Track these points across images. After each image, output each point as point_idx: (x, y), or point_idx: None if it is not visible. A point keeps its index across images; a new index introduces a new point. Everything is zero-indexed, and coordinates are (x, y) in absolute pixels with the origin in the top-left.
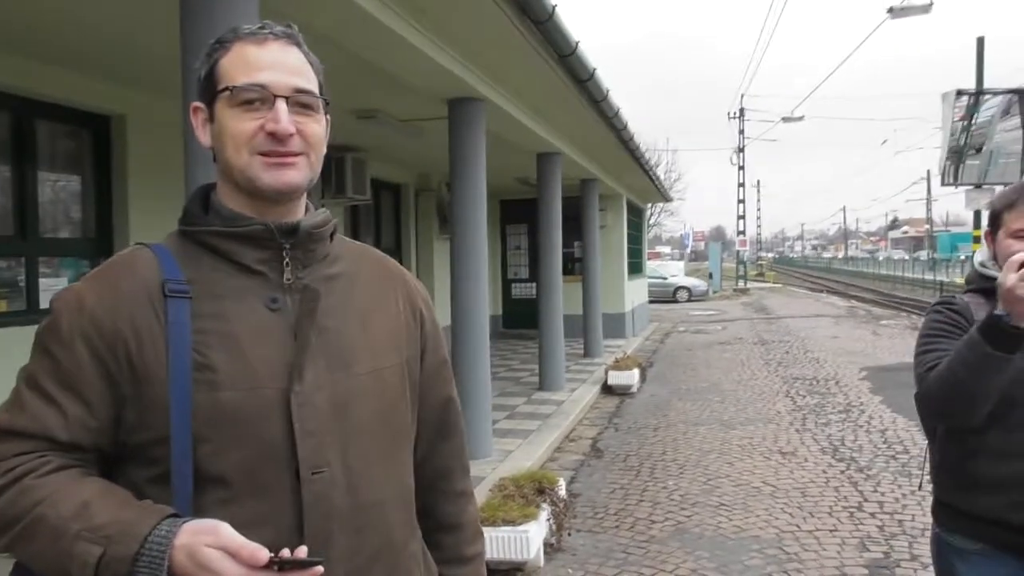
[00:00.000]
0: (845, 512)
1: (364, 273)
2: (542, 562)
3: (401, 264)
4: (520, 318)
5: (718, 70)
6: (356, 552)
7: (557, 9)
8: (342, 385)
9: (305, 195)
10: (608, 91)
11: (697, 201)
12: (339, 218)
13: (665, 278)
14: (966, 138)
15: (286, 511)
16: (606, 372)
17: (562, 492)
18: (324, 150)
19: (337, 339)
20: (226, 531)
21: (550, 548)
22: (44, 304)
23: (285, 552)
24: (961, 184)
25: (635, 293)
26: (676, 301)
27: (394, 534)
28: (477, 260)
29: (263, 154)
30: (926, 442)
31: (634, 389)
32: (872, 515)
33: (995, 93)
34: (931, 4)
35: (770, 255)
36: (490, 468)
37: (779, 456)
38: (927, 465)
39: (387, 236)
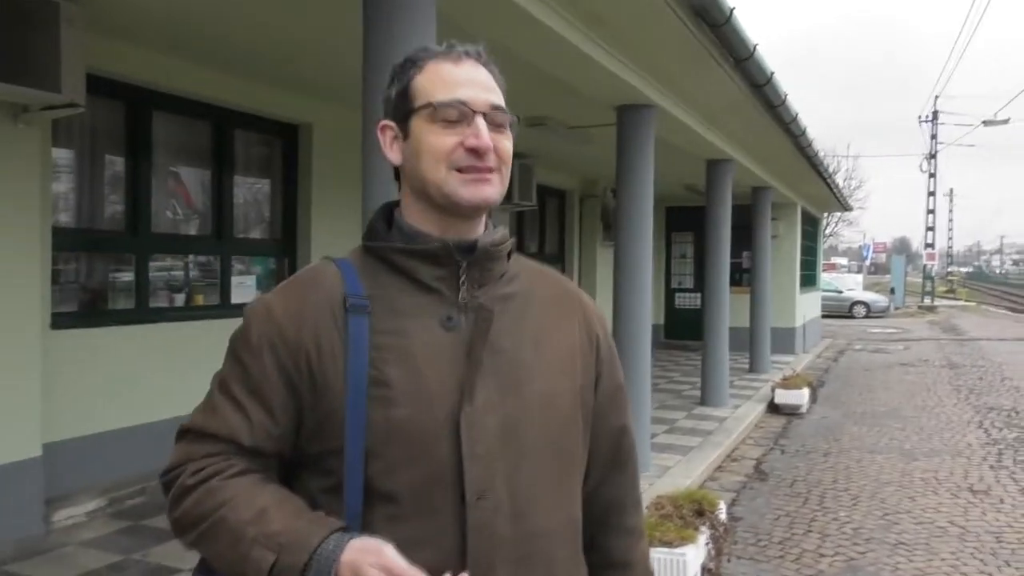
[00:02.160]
0: None
1: (540, 294)
2: None
3: (564, 270)
4: (683, 328)
5: (910, 64)
6: None
7: (735, 12)
8: (512, 408)
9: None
10: (786, 96)
11: (879, 210)
12: (505, 224)
13: (840, 291)
14: None
15: (450, 534)
16: (773, 389)
17: (723, 516)
18: (511, 165)
19: (509, 361)
20: (390, 552)
21: (707, 574)
22: (236, 299)
23: None
24: None
25: (807, 307)
26: (852, 317)
27: (557, 568)
28: (641, 269)
29: (460, 170)
30: None
31: (803, 409)
32: None
33: None
34: None
35: (963, 270)
36: (647, 484)
37: (969, 494)
38: None
39: (551, 242)
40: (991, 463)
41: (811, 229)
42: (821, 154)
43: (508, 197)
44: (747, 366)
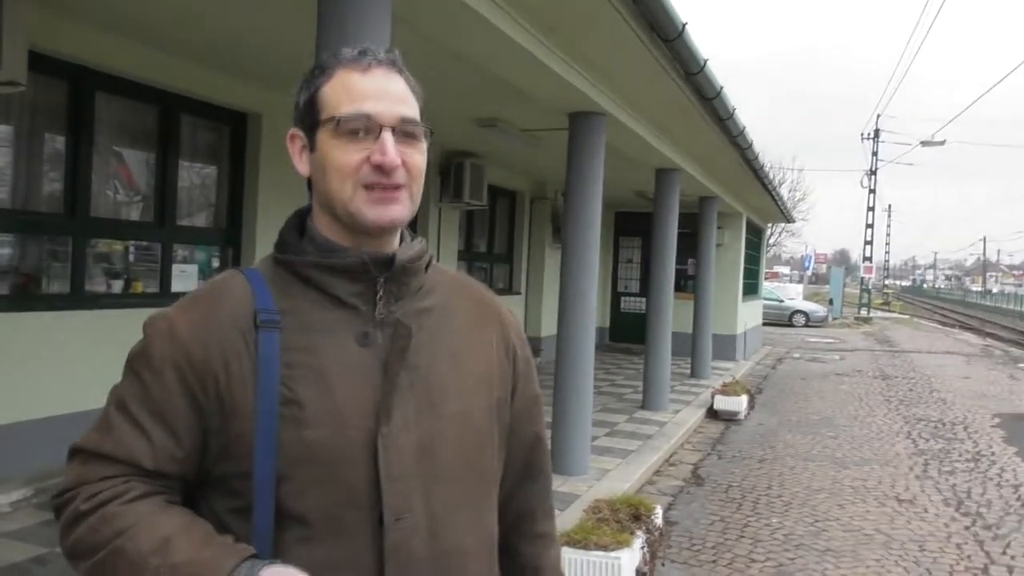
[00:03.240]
0: (968, 573)
1: (458, 307)
2: None
3: (512, 271)
4: (628, 332)
5: (854, 85)
6: None
7: (687, 27)
8: (429, 427)
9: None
10: (734, 109)
11: (822, 222)
12: (456, 222)
13: (782, 301)
14: None
15: (365, 555)
16: (712, 396)
17: (658, 521)
18: (423, 181)
19: (426, 379)
20: None
21: None
22: (176, 287)
23: None
24: None
25: (749, 315)
26: (792, 325)
27: None
28: (587, 272)
29: (367, 187)
30: None
31: (741, 416)
32: None
33: None
34: None
35: (899, 283)
36: (586, 487)
37: (895, 503)
38: None
39: (500, 242)
40: (917, 473)
41: (755, 239)
42: (767, 167)
43: (459, 195)
44: (688, 371)
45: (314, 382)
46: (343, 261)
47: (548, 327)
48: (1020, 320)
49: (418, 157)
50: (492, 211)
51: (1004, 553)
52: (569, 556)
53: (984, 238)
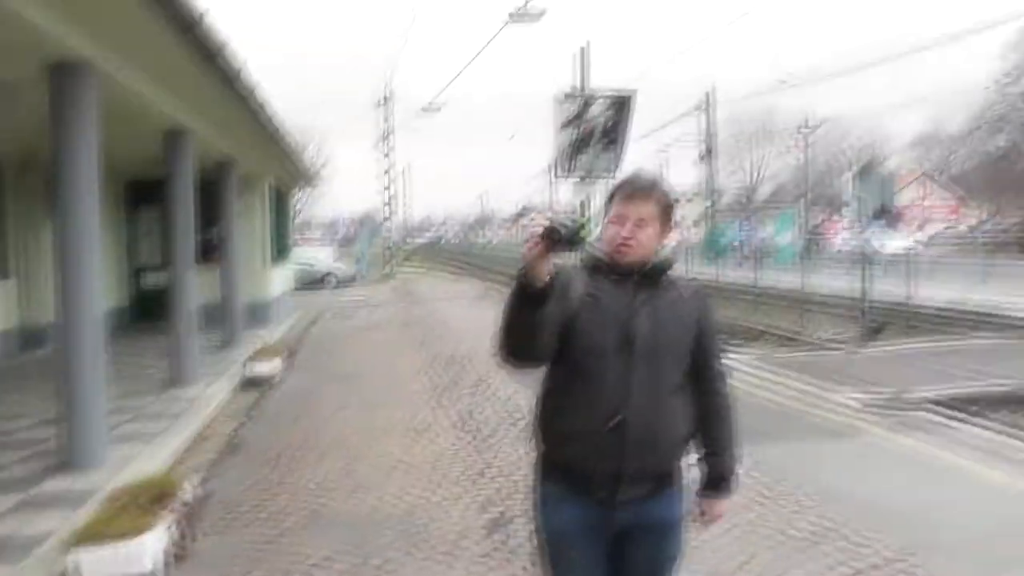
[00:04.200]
0: (469, 479)
1: None
2: (163, 574)
3: None
4: (152, 308)
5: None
6: None
7: None
8: None
9: None
10: (242, 68)
11: (348, 185)
12: None
13: (313, 264)
14: (576, 135)
15: None
16: (246, 363)
17: (187, 496)
18: None
19: None
20: None
21: (175, 558)
22: None
23: None
24: (570, 175)
25: (280, 280)
26: (324, 287)
27: None
28: (88, 248)
29: None
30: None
31: (277, 379)
32: (492, 479)
33: (595, 97)
34: (542, 13)
35: (419, 240)
36: (106, 479)
37: (414, 433)
38: (534, 422)
39: None
40: (432, 404)
41: (281, 203)
42: (287, 129)
43: None
44: (221, 342)
45: None
46: None
47: (45, 314)
48: (510, 264)
49: None
50: None
51: (496, 457)
52: (83, 557)
53: (482, 196)
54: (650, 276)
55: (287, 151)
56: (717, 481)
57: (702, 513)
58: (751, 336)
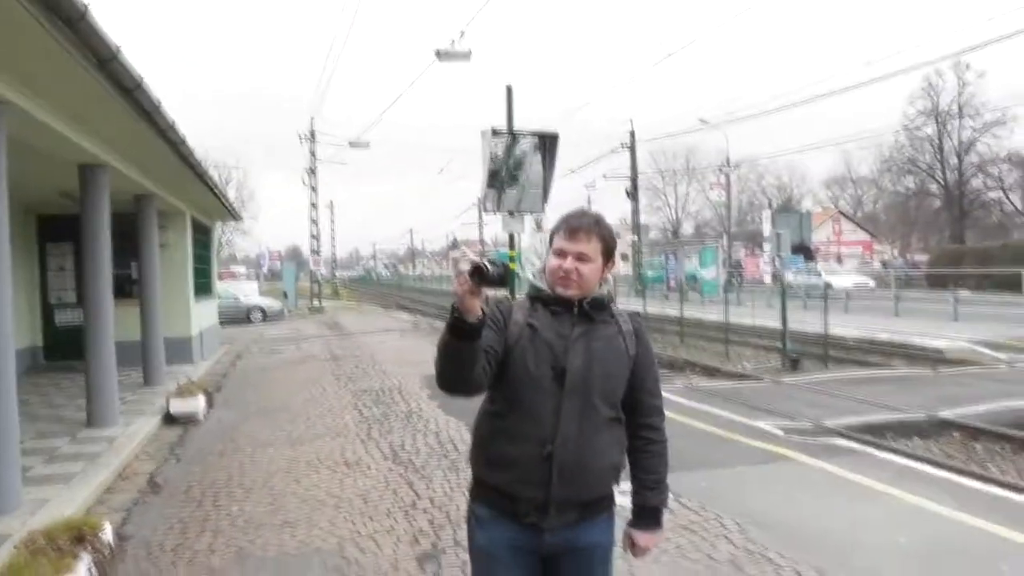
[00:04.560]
0: (401, 512)
1: None
2: None
3: None
4: (67, 347)
5: (294, 86)
6: None
7: (91, 8)
8: None
9: None
10: (160, 102)
11: (274, 220)
12: None
13: (238, 298)
14: (504, 171)
15: None
16: (168, 400)
17: (107, 537)
18: None
19: None
20: None
21: None
22: None
23: None
24: (500, 211)
25: (203, 315)
26: (251, 322)
27: None
28: None
29: None
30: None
31: (200, 416)
32: (424, 511)
33: (521, 135)
34: (470, 52)
35: (346, 274)
36: (19, 523)
37: (345, 467)
38: (471, 445)
39: None
40: (362, 438)
41: (203, 238)
42: (210, 164)
43: None
44: (142, 380)
45: None
46: None
47: None
48: (441, 297)
49: None
50: None
51: (428, 488)
52: None
53: (411, 229)
54: (589, 310)
55: (208, 185)
56: (648, 514)
57: (632, 544)
58: (677, 367)
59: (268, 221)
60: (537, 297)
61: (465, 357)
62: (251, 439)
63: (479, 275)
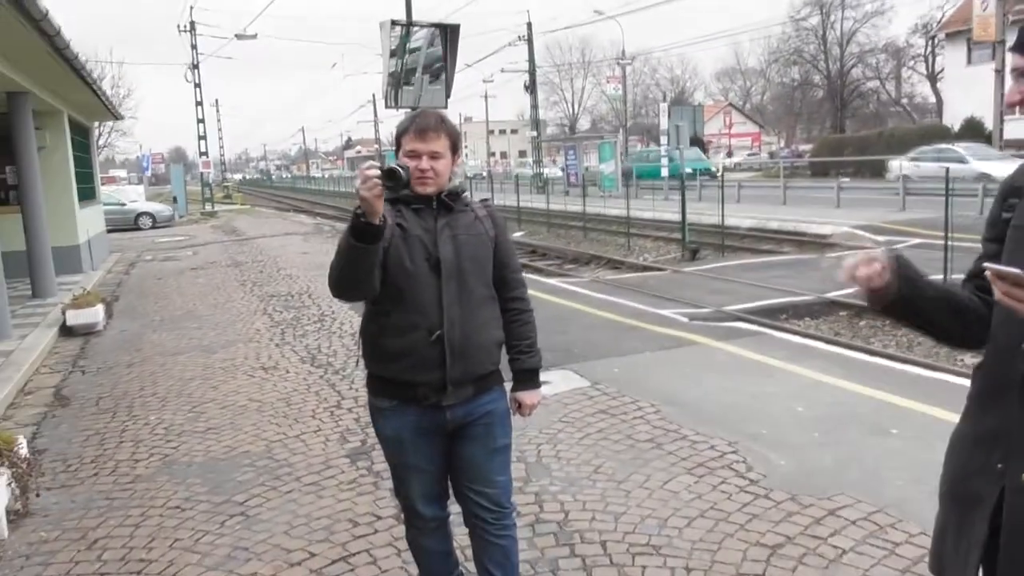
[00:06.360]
0: (326, 412)
1: None
2: (6, 532)
3: None
4: None
5: None
6: None
7: None
8: None
9: None
10: None
11: (153, 120)
12: None
13: (124, 204)
14: (401, 64)
15: None
16: (64, 312)
17: (23, 451)
18: None
19: None
20: None
21: (16, 515)
22: None
23: None
24: (400, 107)
25: (90, 222)
26: (139, 228)
27: None
28: None
29: None
30: (360, 327)
31: (100, 327)
32: (349, 410)
33: (422, 25)
34: None
35: (237, 176)
36: None
37: (263, 372)
38: (360, 347)
39: None
40: (276, 342)
41: (83, 139)
42: (83, 58)
43: None
44: (30, 291)
45: None
46: None
47: None
48: (340, 199)
49: None
50: None
51: (350, 388)
52: None
53: (303, 128)
54: (447, 202)
55: (87, 81)
56: (527, 376)
57: (519, 406)
58: (582, 261)
59: (148, 121)
60: (397, 199)
61: (372, 259)
62: (159, 348)
63: (392, 177)
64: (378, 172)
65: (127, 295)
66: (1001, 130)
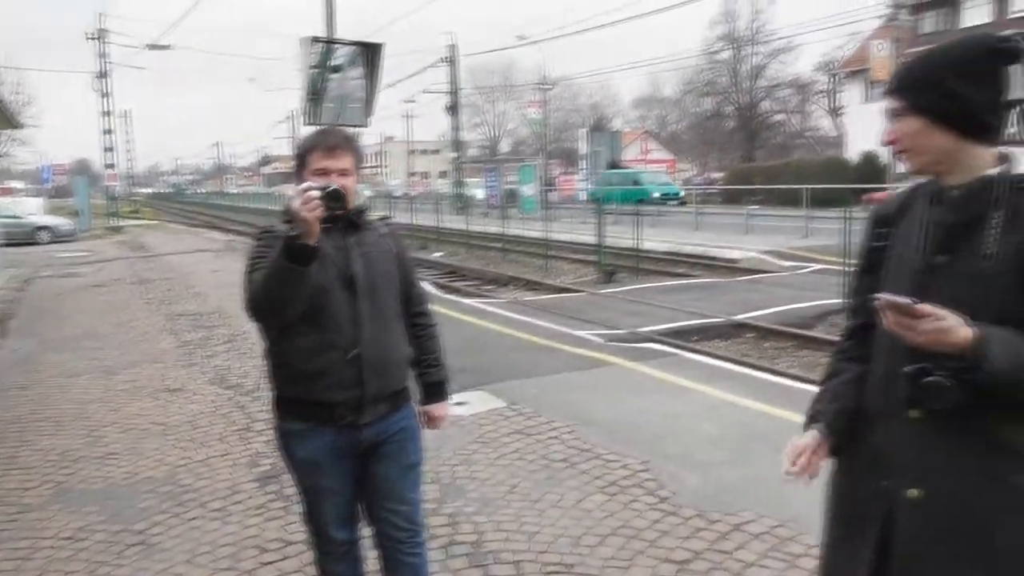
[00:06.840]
0: (235, 435)
1: None
2: None
3: None
4: None
5: None
6: None
7: None
8: None
9: None
10: None
11: (55, 129)
12: None
13: (21, 217)
14: (322, 82)
15: None
16: None
17: None
18: None
19: None
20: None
21: None
22: None
23: None
24: (320, 124)
25: None
26: (37, 243)
27: None
28: None
29: None
30: (265, 349)
31: None
32: (260, 432)
33: (344, 43)
34: None
35: (147, 190)
36: None
37: (168, 394)
38: (269, 369)
39: None
40: (184, 363)
41: None
42: None
43: None
44: None
45: None
46: None
47: None
48: (255, 215)
49: None
50: None
51: (261, 411)
52: None
53: (218, 143)
54: (355, 220)
55: None
56: (435, 389)
57: (429, 420)
58: (501, 282)
59: (50, 129)
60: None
61: (306, 281)
62: (57, 369)
63: (336, 198)
64: (319, 192)
65: (23, 312)
66: (895, 163)
